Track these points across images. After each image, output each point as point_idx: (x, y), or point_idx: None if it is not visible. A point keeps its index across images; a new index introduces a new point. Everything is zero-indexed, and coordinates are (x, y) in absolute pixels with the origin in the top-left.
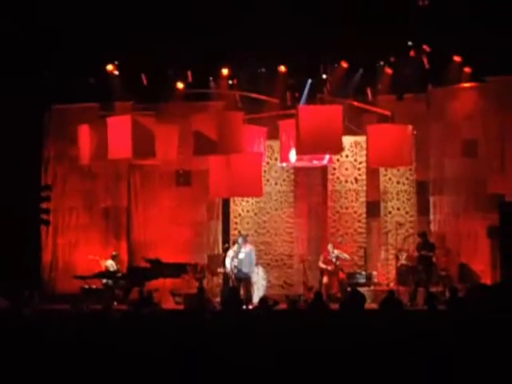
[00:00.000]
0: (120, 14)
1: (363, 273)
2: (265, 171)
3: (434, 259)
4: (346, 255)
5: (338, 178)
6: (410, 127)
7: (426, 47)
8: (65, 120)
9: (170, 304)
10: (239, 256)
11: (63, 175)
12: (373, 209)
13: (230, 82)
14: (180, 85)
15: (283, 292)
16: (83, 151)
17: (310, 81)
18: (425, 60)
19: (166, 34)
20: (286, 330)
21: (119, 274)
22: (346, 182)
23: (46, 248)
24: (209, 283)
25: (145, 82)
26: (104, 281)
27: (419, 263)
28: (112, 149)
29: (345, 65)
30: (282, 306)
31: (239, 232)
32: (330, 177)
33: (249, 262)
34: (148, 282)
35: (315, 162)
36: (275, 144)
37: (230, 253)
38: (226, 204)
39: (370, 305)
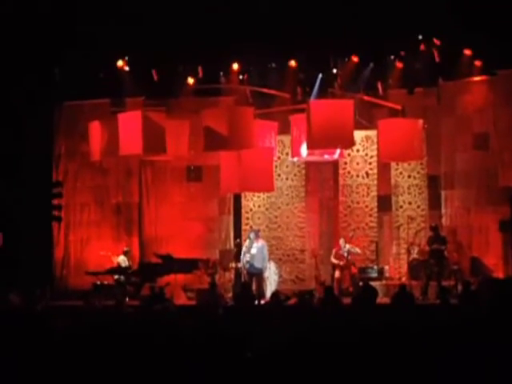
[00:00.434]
0: (130, 10)
1: (375, 267)
2: (276, 166)
3: (445, 253)
4: (357, 249)
5: (349, 172)
6: (420, 121)
7: (436, 41)
8: (76, 116)
9: (182, 299)
10: (251, 251)
11: (74, 171)
12: (384, 203)
13: (241, 77)
14: (191, 80)
15: (295, 287)
16: (94, 147)
17: (320, 75)
18: (435, 54)
19: (177, 30)
20: (296, 324)
21: (131, 270)
22: (358, 176)
23: (57, 244)
24: (220, 278)
25: (155, 77)
26: (116, 277)
27: (431, 257)
28: (123, 145)
29: (355, 59)
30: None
31: (251, 227)
32: (341, 171)
33: (261, 257)
34: (160, 278)
35: (326, 157)
36: (286, 139)
37: (243, 248)
38: (237, 199)
39: (381, 299)
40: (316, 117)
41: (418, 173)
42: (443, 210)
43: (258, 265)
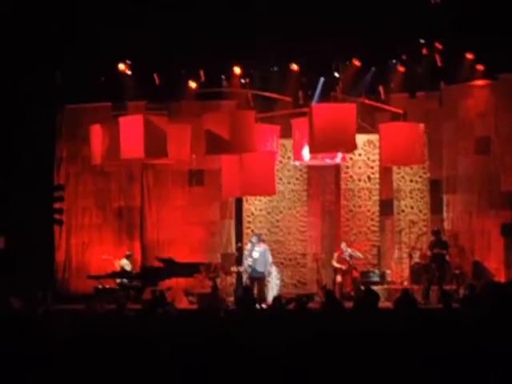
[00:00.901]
0: (132, 14)
1: (377, 271)
2: (278, 170)
3: (447, 257)
4: (359, 254)
5: (351, 176)
6: (422, 125)
7: (438, 45)
8: (77, 120)
9: (183, 303)
10: (253, 255)
11: (76, 175)
12: (386, 207)
13: (243, 80)
14: (192, 84)
15: (297, 291)
16: (95, 151)
17: (322, 79)
18: (437, 58)
19: (179, 33)
20: (296, 328)
21: (133, 274)
22: (359, 180)
23: (59, 248)
24: (222, 282)
25: (157, 81)
26: (118, 280)
27: (432, 261)
28: (124, 148)
29: (357, 63)
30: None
31: (252, 231)
32: (343, 175)
33: (263, 261)
34: (161, 282)
35: (328, 161)
36: (288, 143)
37: (245, 252)
38: (238, 203)
39: (383, 303)
40: (318, 120)
41: (420, 177)
42: (445, 215)
43: (260, 269)
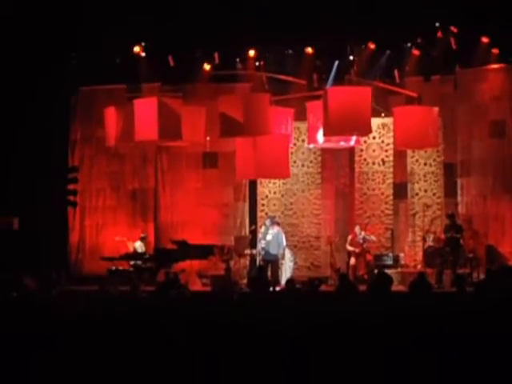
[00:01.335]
0: None
1: (390, 254)
2: (292, 153)
3: (461, 241)
4: (372, 237)
5: (365, 159)
6: (436, 109)
7: (453, 28)
8: (92, 102)
9: (197, 286)
10: (267, 237)
11: (90, 157)
12: (400, 190)
13: (257, 63)
14: (207, 66)
15: (310, 274)
16: (110, 133)
17: (337, 62)
18: (452, 41)
19: (193, 16)
20: (309, 310)
21: (146, 256)
22: (373, 163)
23: (73, 229)
24: (235, 265)
25: (172, 63)
26: (131, 262)
27: (446, 245)
28: (139, 131)
29: (372, 46)
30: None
31: (266, 214)
32: (357, 158)
33: (276, 244)
34: (175, 264)
35: (342, 144)
36: (302, 125)
37: (259, 235)
38: (252, 186)
39: (397, 287)
40: (334, 103)
41: (434, 160)
42: (459, 198)
43: (273, 251)
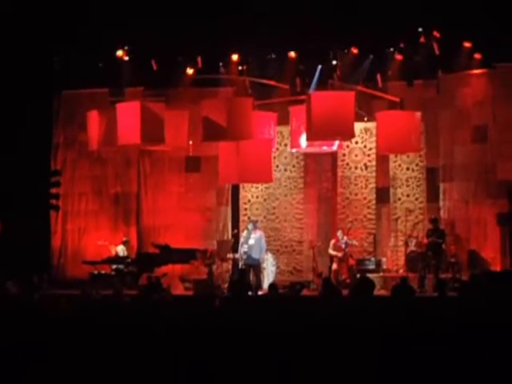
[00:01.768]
0: (130, 0)
1: (372, 259)
2: (274, 157)
3: (443, 246)
4: (355, 241)
5: (347, 164)
6: (418, 114)
7: (436, 33)
8: (75, 105)
9: (179, 290)
10: (249, 242)
11: (73, 161)
12: (382, 195)
13: (240, 67)
14: (190, 70)
15: (293, 278)
16: (92, 137)
17: (320, 67)
18: (435, 46)
19: (176, 20)
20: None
21: (128, 260)
22: (356, 168)
23: (55, 233)
24: (218, 269)
25: (155, 67)
26: (114, 266)
27: (428, 250)
28: (121, 135)
29: (355, 51)
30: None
31: (249, 218)
32: (339, 163)
33: (259, 248)
34: (157, 268)
35: (325, 148)
36: (285, 130)
37: (241, 239)
38: (235, 190)
39: (379, 291)
40: (317, 108)
41: (417, 165)
42: (441, 203)
43: (255, 255)
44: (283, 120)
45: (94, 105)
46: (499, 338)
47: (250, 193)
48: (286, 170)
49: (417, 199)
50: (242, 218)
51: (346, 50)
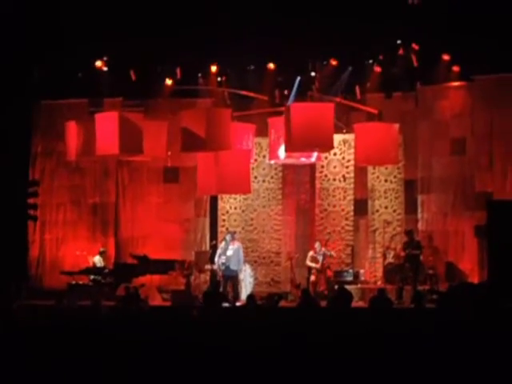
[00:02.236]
0: (109, 10)
1: (350, 271)
2: (253, 168)
3: (421, 258)
4: (333, 253)
5: (326, 175)
6: (396, 125)
7: (414, 45)
8: (53, 115)
9: (157, 301)
10: (227, 253)
11: (51, 171)
12: (360, 207)
13: (219, 78)
14: (169, 81)
15: (270, 289)
16: (71, 147)
17: (298, 78)
18: (414, 58)
19: (155, 31)
20: (271, 326)
21: (106, 270)
22: (334, 179)
23: (33, 243)
24: (196, 280)
25: (134, 78)
26: (92, 277)
27: (406, 261)
28: (100, 145)
29: (334, 62)
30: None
31: (227, 229)
32: (318, 175)
33: (237, 259)
34: (135, 279)
35: (303, 160)
36: (263, 141)
37: (218, 250)
38: (213, 201)
39: (357, 303)
40: (296, 119)
41: (395, 177)
42: (419, 215)
43: (233, 267)
44: (262, 131)
45: (72, 115)
46: (477, 349)
47: (229, 204)
48: (264, 181)
49: (395, 211)
50: (220, 229)
51: (324, 62)
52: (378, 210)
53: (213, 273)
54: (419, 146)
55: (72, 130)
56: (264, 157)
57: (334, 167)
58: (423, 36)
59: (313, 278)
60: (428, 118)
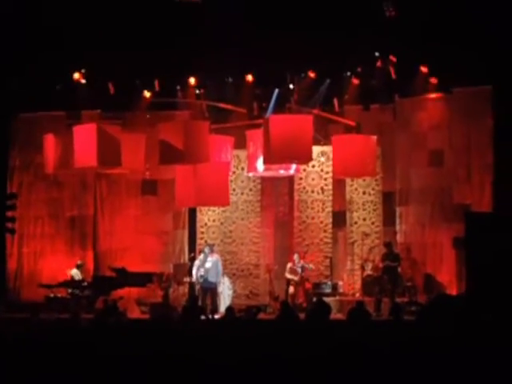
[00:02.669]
0: (87, 23)
1: (329, 283)
2: (231, 181)
3: (399, 269)
4: (311, 265)
5: (304, 187)
6: (374, 138)
7: (392, 58)
8: (31, 128)
9: (135, 313)
10: (206, 265)
11: (29, 184)
12: (339, 219)
13: (197, 91)
14: (147, 94)
15: (249, 302)
16: (48, 160)
17: (277, 90)
18: (391, 70)
19: (133, 43)
20: (250, 339)
21: (84, 283)
22: (313, 192)
23: (10, 256)
24: (174, 292)
25: (112, 90)
26: (70, 290)
27: (384, 273)
28: (78, 157)
29: (312, 75)
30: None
31: (205, 241)
32: (296, 187)
33: (215, 272)
34: (113, 291)
35: (282, 172)
36: (242, 153)
37: (197, 262)
38: (192, 213)
39: (335, 315)
40: (275, 131)
41: (373, 189)
42: (398, 227)
43: (212, 279)
44: (240, 144)
45: (50, 127)
46: (456, 362)
47: (207, 216)
48: (242, 193)
49: (373, 223)
50: (198, 241)
51: (302, 74)
52: (356, 222)
53: (191, 285)
54: (397, 158)
55: (50, 142)
56: (242, 169)
57: (313, 179)
58: (401, 48)
59: (291, 290)
60: (406, 130)
